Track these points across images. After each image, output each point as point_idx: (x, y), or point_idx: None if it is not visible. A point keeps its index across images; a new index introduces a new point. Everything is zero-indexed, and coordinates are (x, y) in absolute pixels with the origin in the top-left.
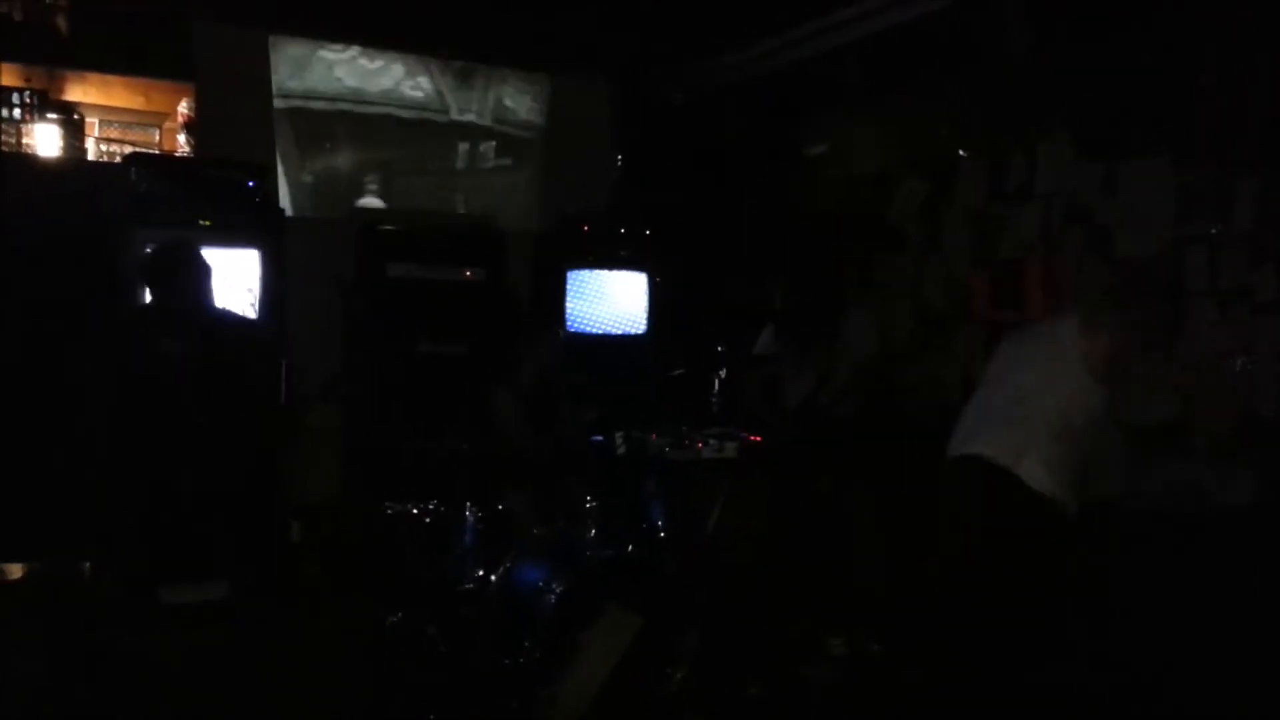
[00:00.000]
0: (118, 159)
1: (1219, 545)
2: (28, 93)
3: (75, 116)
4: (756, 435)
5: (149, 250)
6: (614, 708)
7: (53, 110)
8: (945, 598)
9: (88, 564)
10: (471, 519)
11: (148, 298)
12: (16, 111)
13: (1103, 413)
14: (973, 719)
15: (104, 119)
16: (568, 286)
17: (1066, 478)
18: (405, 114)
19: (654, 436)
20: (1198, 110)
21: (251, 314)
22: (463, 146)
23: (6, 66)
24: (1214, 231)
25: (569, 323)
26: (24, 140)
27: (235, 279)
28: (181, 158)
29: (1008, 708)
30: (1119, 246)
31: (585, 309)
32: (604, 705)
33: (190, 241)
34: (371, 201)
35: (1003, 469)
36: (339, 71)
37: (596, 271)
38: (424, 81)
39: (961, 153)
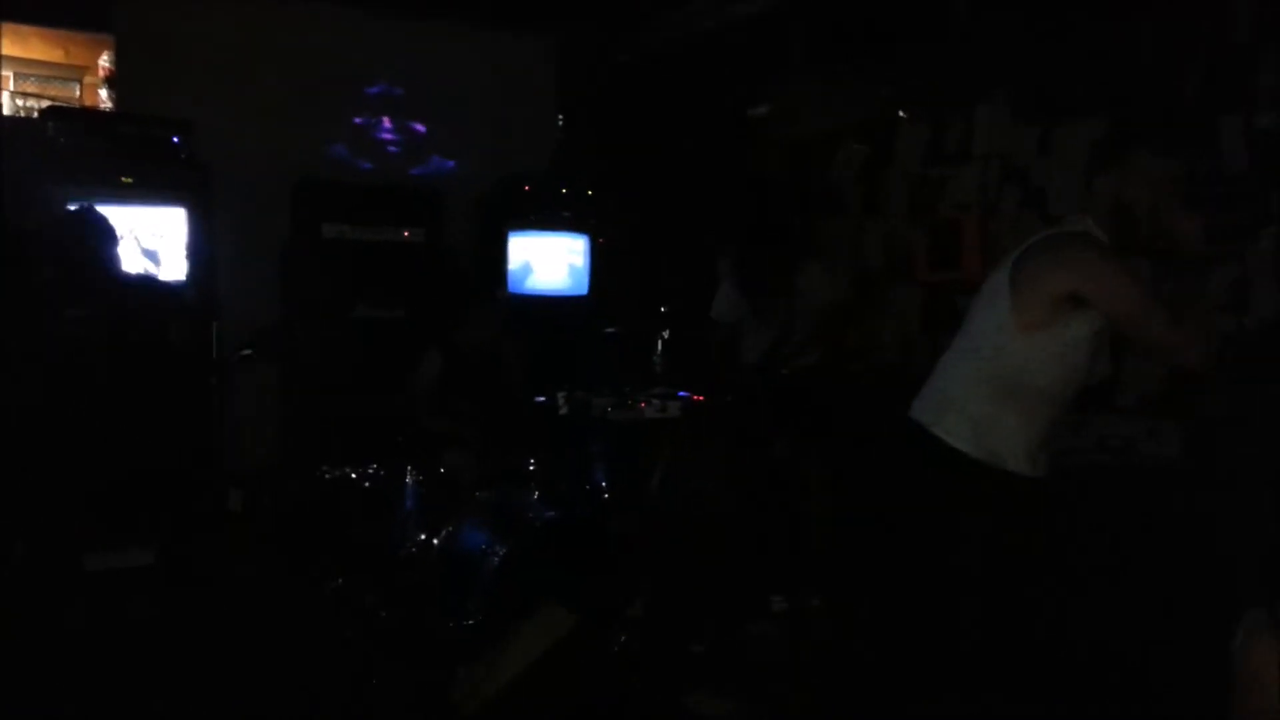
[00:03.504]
0: (35, 114)
1: (1149, 496)
2: None
3: None
4: (700, 395)
5: (45, 224)
6: (531, 696)
7: None
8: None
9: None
10: (412, 482)
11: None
12: None
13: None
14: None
15: (20, 72)
16: (509, 248)
17: (1005, 437)
18: None
19: (597, 397)
20: (1133, 73)
21: (176, 274)
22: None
23: None
24: None
25: (510, 284)
26: None
27: (160, 238)
28: (102, 112)
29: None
30: (1053, 205)
31: (527, 271)
32: (519, 694)
33: (88, 210)
34: None
35: (921, 426)
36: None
37: (538, 233)
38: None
39: (901, 114)
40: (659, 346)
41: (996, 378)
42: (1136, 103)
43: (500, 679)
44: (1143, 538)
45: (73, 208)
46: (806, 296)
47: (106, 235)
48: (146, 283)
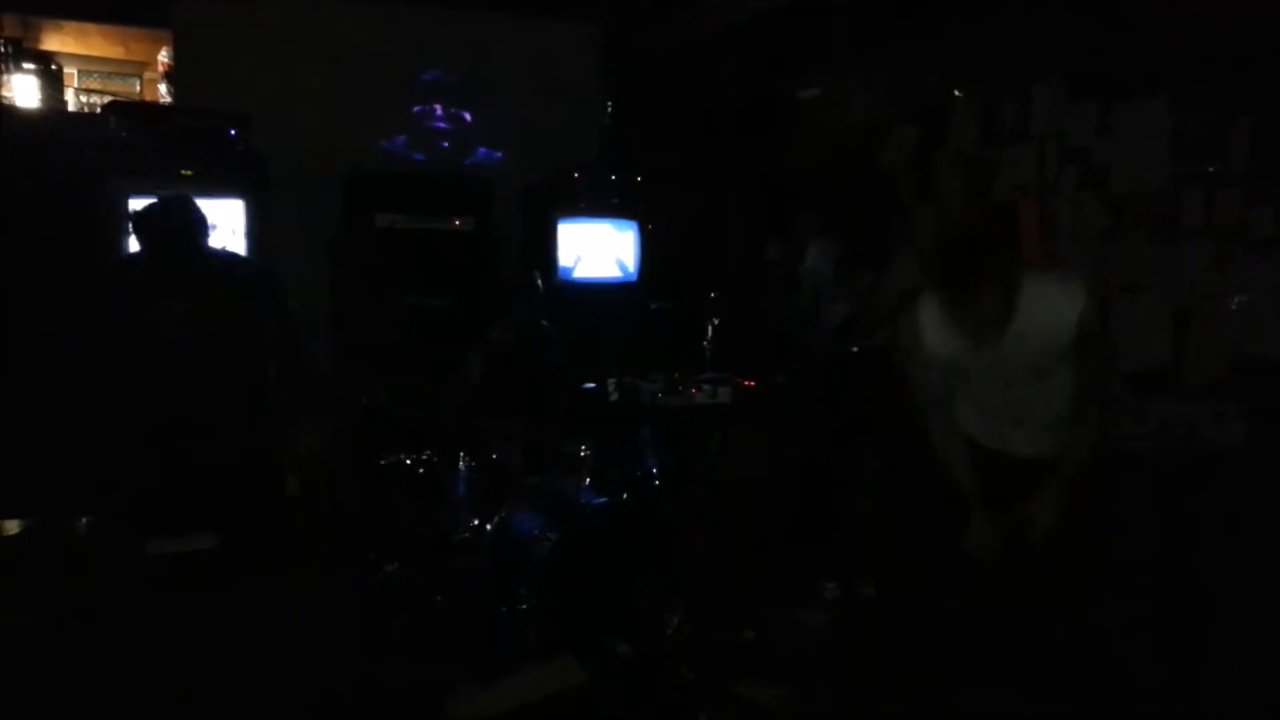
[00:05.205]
0: (98, 110)
1: (1213, 484)
2: (2, 42)
3: (53, 67)
4: (750, 380)
5: (142, 208)
6: None
7: (29, 60)
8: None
9: (84, 520)
10: (465, 469)
11: (134, 247)
12: None
13: None
14: (966, 664)
15: (83, 69)
16: (559, 236)
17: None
18: None
19: (647, 383)
20: (1194, 49)
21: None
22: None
23: None
24: (1210, 170)
25: (561, 272)
26: (1, 92)
27: (219, 229)
28: (162, 107)
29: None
30: (1114, 186)
31: (576, 258)
32: None
33: (187, 197)
34: None
35: None
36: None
37: (588, 220)
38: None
39: (956, 93)
40: (709, 332)
41: None
42: (1197, 76)
43: (493, 708)
44: (1206, 526)
45: (164, 196)
46: (895, 278)
47: (200, 225)
48: (242, 268)
